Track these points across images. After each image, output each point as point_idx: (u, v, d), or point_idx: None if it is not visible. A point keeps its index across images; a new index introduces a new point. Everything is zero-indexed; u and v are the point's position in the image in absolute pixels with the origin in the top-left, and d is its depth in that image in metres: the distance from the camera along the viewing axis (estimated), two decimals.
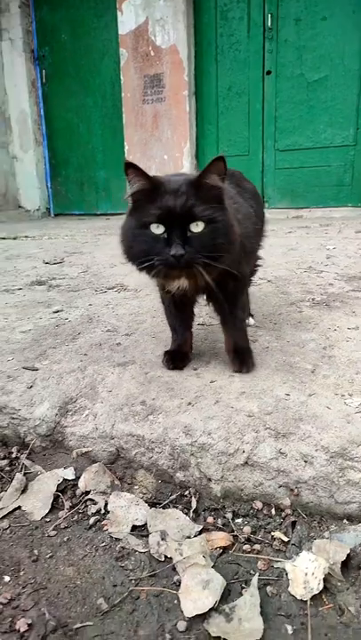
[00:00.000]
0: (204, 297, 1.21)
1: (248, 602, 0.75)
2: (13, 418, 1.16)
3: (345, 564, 0.80)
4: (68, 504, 0.99)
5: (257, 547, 0.87)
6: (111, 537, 0.91)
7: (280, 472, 0.93)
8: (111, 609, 0.77)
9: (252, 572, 0.82)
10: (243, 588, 0.79)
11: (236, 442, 0.96)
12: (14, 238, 4.06)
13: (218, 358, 1.29)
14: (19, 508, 1.01)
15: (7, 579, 0.84)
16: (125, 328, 1.56)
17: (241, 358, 1.20)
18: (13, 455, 1.15)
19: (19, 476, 1.06)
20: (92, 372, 1.23)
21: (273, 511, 0.93)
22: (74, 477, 1.04)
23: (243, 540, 0.88)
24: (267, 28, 4.75)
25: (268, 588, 0.79)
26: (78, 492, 1.02)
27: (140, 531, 0.92)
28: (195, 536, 0.89)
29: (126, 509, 0.96)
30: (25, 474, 1.08)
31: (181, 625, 0.73)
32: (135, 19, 5.01)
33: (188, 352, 1.27)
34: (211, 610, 0.74)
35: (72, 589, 0.81)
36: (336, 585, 0.78)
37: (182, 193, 0.98)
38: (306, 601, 0.75)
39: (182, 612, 0.75)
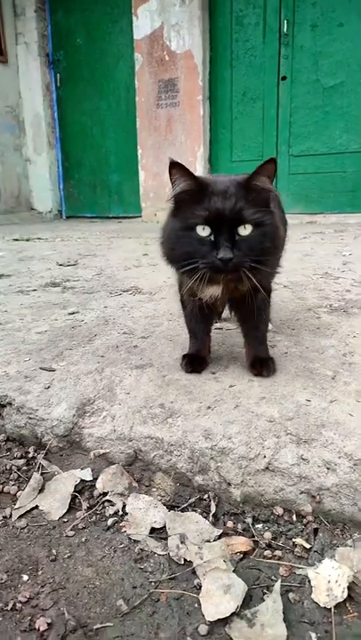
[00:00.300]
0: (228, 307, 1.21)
1: (271, 607, 0.74)
2: (30, 418, 1.16)
3: None
4: (85, 505, 0.99)
5: (278, 553, 0.86)
6: (130, 539, 0.91)
7: (302, 478, 0.92)
8: (131, 610, 0.76)
9: (273, 577, 0.81)
10: (264, 593, 0.78)
11: (257, 447, 0.95)
12: (27, 240, 4.09)
13: (236, 363, 1.28)
14: (36, 507, 1.00)
15: (25, 578, 0.84)
16: (142, 331, 1.56)
17: (261, 362, 1.19)
18: (30, 455, 1.15)
19: (36, 475, 1.06)
20: (110, 374, 1.23)
21: (294, 517, 0.92)
22: (91, 478, 1.04)
23: (263, 545, 0.87)
24: (283, 33, 4.77)
25: (291, 595, 0.78)
26: (96, 493, 1.01)
27: (158, 533, 0.92)
28: (214, 540, 0.88)
29: (145, 512, 0.95)
30: (42, 474, 1.08)
31: (203, 629, 0.72)
32: (151, 24, 5.06)
33: (206, 356, 1.27)
34: (232, 614, 0.73)
35: (91, 590, 0.81)
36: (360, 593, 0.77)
37: (231, 195, 0.96)
38: (330, 609, 0.74)
39: (203, 615, 0.74)
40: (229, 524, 0.92)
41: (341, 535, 0.87)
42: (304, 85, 4.80)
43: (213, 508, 0.95)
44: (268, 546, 0.87)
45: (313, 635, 0.71)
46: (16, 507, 1.00)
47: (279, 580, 0.78)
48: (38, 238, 4.17)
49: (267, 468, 0.94)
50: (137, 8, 5.08)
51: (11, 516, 0.98)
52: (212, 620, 0.73)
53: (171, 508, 0.97)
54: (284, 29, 4.74)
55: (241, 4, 4.87)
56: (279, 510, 0.92)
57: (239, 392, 1.11)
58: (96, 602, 0.79)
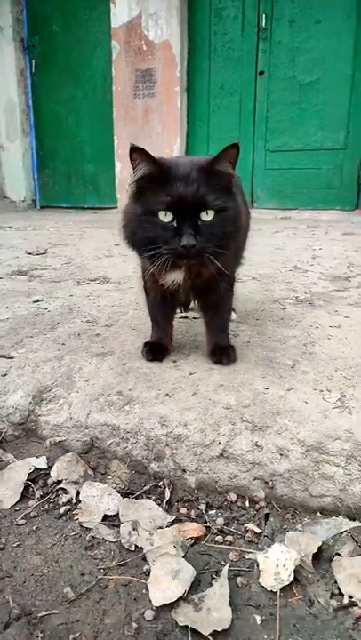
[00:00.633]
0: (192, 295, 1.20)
1: (217, 592, 0.74)
2: None
3: (316, 557, 0.80)
4: (38, 493, 0.97)
5: (229, 538, 0.86)
6: (82, 526, 0.90)
7: (255, 464, 0.92)
8: (78, 597, 0.75)
9: (223, 562, 0.81)
10: (213, 578, 0.78)
11: (212, 433, 0.95)
12: None
13: (198, 351, 1.28)
14: None
15: None
16: (106, 319, 1.54)
17: (222, 350, 1.19)
18: None
19: None
20: (69, 362, 1.21)
21: (247, 503, 0.92)
22: (46, 467, 1.03)
23: (215, 531, 0.87)
24: (261, 28, 4.76)
25: (239, 579, 0.78)
26: (50, 481, 1.00)
27: (111, 521, 0.91)
28: (167, 526, 0.88)
29: (98, 499, 0.94)
30: None
31: (149, 614, 0.72)
32: (128, 12, 4.98)
33: (168, 344, 1.26)
34: (180, 599, 0.73)
35: (38, 578, 0.79)
36: (307, 577, 0.78)
37: (193, 180, 0.94)
38: (276, 592, 0.75)
39: (151, 601, 0.74)
40: (183, 510, 0.92)
41: (292, 520, 0.88)
42: (281, 81, 4.81)
43: (168, 495, 0.94)
44: (220, 531, 0.87)
45: (257, 617, 0.71)
46: None
47: (227, 565, 0.79)
48: (9, 227, 4.08)
49: (221, 454, 0.94)
50: None
51: None
52: (158, 605, 0.73)
53: (126, 495, 0.96)
54: (263, 24, 4.74)
55: None
56: (233, 496, 0.92)
57: (198, 380, 1.11)
58: (43, 590, 0.78)
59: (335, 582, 0.76)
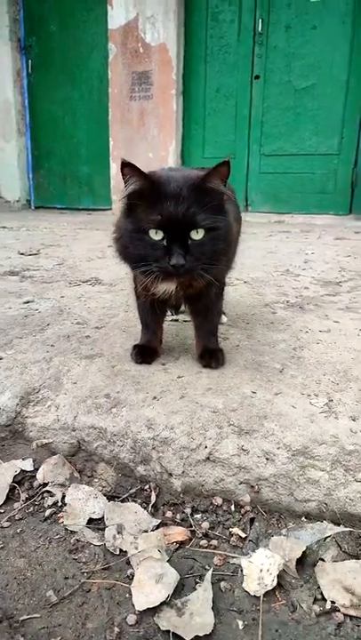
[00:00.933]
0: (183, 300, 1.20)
1: (201, 596, 0.74)
2: None
3: (300, 562, 0.80)
4: (24, 495, 0.97)
5: (214, 542, 0.86)
6: (66, 529, 0.89)
7: (241, 469, 0.92)
8: (60, 601, 0.75)
9: (207, 567, 0.81)
10: (197, 582, 0.78)
11: (199, 437, 0.95)
12: None
13: (187, 355, 1.28)
14: None
15: None
16: (96, 321, 1.53)
17: (211, 354, 1.19)
18: None
19: None
20: (58, 364, 1.20)
21: (232, 507, 0.92)
22: (32, 469, 1.02)
23: (200, 535, 0.87)
24: (257, 32, 4.78)
25: (223, 584, 0.78)
26: (36, 483, 0.99)
27: (96, 524, 0.91)
28: (152, 530, 0.87)
29: (84, 502, 0.94)
30: None
31: (131, 618, 0.71)
32: (125, 14, 4.99)
33: (157, 347, 1.26)
34: (163, 604, 0.73)
35: (21, 581, 0.79)
36: (290, 582, 0.78)
37: (184, 198, 0.94)
38: (259, 597, 0.75)
39: (133, 605, 0.73)
40: (168, 514, 0.92)
41: (277, 525, 0.88)
42: (276, 86, 4.84)
43: (154, 499, 0.94)
44: (205, 535, 0.87)
45: (240, 622, 0.71)
46: None
47: (211, 570, 0.78)
48: (3, 227, 4.07)
49: (208, 458, 0.94)
50: None
51: None
52: (141, 609, 0.72)
53: (111, 498, 0.96)
54: (259, 28, 4.76)
55: (217, 0, 4.86)
56: (218, 500, 0.92)
57: (187, 383, 1.11)
58: (25, 593, 0.77)
59: (318, 587, 0.76)
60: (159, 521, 0.89)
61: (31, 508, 0.95)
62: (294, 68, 4.74)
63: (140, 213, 0.97)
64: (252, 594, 0.75)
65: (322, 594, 0.75)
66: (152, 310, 1.22)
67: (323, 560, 0.80)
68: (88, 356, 1.25)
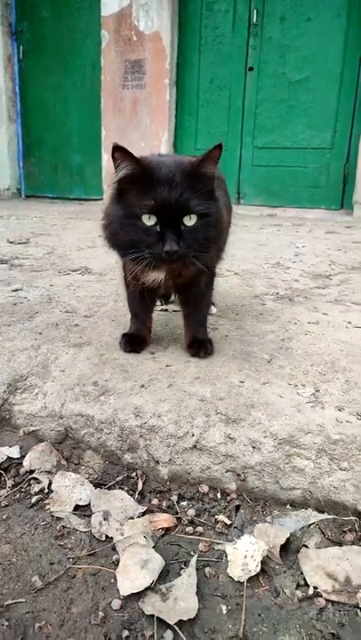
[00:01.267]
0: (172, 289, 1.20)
1: (185, 582, 0.74)
2: None
3: (284, 548, 0.81)
4: (10, 482, 0.97)
5: (200, 529, 0.86)
6: (52, 516, 0.89)
7: (228, 457, 0.93)
8: (45, 586, 0.75)
9: (192, 553, 0.81)
10: (182, 568, 0.78)
11: (186, 425, 0.95)
12: None
13: (177, 344, 1.28)
14: None
15: None
16: (85, 310, 1.53)
17: (199, 343, 1.19)
18: None
19: None
20: (46, 351, 1.20)
21: (218, 495, 0.93)
22: (19, 456, 1.02)
23: (186, 522, 0.88)
24: (252, 23, 4.75)
25: (207, 570, 0.78)
26: (22, 470, 0.99)
27: (83, 511, 0.91)
28: (138, 517, 0.88)
29: (70, 489, 0.94)
30: None
31: (116, 603, 0.72)
32: (119, 1, 4.92)
33: (146, 336, 1.26)
34: (147, 589, 0.73)
35: (6, 567, 0.79)
36: (274, 568, 0.79)
37: (177, 184, 0.93)
38: (243, 582, 0.75)
39: (118, 590, 0.74)
40: (155, 501, 0.92)
41: (262, 512, 0.89)
42: (270, 78, 4.81)
43: (140, 486, 0.94)
44: (191, 522, 0.88)
45: (223, 607, 0.72)
46: None
47: (196, 556, 0.79)
48: None
49: (195, 446, 0.94)
50: None
51: None
52: (125, 594, 0.73)
53: (98, 485, 0.96)
54: (254, 19, 4.72)
55: None
56: (205, 488, 0.93)
57: (175, 372, 1.11)
58: (10, 578, 0.77)
59: (301, 573, 0.77)
60: (145, 508, 0.90)
61: (17, 495, 0.95)
62: (289, 60, 4.71)
63: (131, 199, 0.96)
64: (236, 579, 0.76)
65: (305, 580, 0.76)
66: (141, 299, 1.22)
67: (306, 547, 0.81)
68: (76, 345, 1.24)
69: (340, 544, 0.81)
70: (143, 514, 0.89)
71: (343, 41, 4.49)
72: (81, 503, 0.92)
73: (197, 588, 0.74)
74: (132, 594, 0.73)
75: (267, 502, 0.91)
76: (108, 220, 1.02)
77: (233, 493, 0.92)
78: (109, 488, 0.95)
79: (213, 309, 1.52)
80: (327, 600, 0.73)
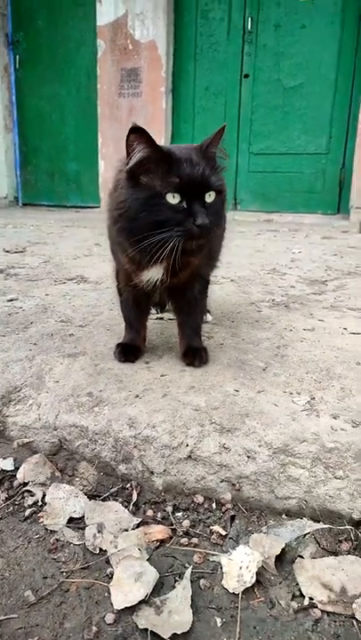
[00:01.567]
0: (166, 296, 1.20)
1: (180, 594, 0.74)
2: None
3: (279, 559, 0.80)
4: (3, 495, 0.96)
5: (195, 540, 0.86)
6: (46, 529, 0.89)
7: (223, 467, 0.92)
8: (38, 601, 0.74)
9: (187, 565, 0.81)
10: (176, 580, 0.78)
11: (181, 435, 0.95)
12: None
13: (171, 353, 1.27)
14: None
15: None
16: (80, 319, 1.52)
17: (194, 352, 1.19)
18: None
19: None
20: (40, 362, 1.19)
21: (214, 505, 0.92)
22: (12, 468, 1.01)
23: (181, 533, 0.87)
24: (247, 31, 4.78)
25: (202, 582, 0.78)
26: (16, 483, 0.99)
27: (77, 523, 0.90)
28: (133, 529, 0.87)
29: (64, 501, 0.93)
30: None
31: (110, 617, 0.71)
32: (114, 11, 4.95)
33: (140, 345, 1.25)
34: (141, 602, 0.73)
35: None
36: (269, 579, 0.78)
37: (197, 162, 0.96)
38: (238, 594, 0.75)
39: (112, 604, 0.73)
40: (149, 512, 0.91)
41: (257, 522, 0.88)
42: (265, 84, 4.84)
43: (135, 497, 0.94)
44: (186, 533, 0.87)
45: (218, 620, 0.71)
46: None
47: (190, 568, 0.78)
48: None
49: (189, 456, 0.94)
50: None
51: None
52: (119, 608, 0.72)
53: (93, 497, 0.96)
54: (248, 27, 4.76)
55: None
56: (200, 499, 0.92)
57: (170, 381, 1.10)
58: (3, 593, 0.76)
59: (297, 584, 0.76)
60: (140, 519, 0.89)
61: (11, 508, 0.94)
62: (283, 67, 4.75)
63: (152, 180, 0.95)
64: (231, 591, 0.75)
65: (300, 590, 0.75)
66: (135, 308, 1.22)
67: (301, 557, 0.80)
68: (71, 355, 1.24)
69: (335, 554, 0.81)
70: (138, 525, 0.88)
71: (337, 47, 4.52)
72: (75, 515, 0.91)
73: (192, 600, 0.73)
74: (126, 607, 0.72)
75: (262, 512, 0.90)
76: (123, 206, 0.98)
77: (228, 503, 0.91)
78: (104, 499, 0.94)
79: (209, 317, 1.52)
80: (323, 611, 0.73)
